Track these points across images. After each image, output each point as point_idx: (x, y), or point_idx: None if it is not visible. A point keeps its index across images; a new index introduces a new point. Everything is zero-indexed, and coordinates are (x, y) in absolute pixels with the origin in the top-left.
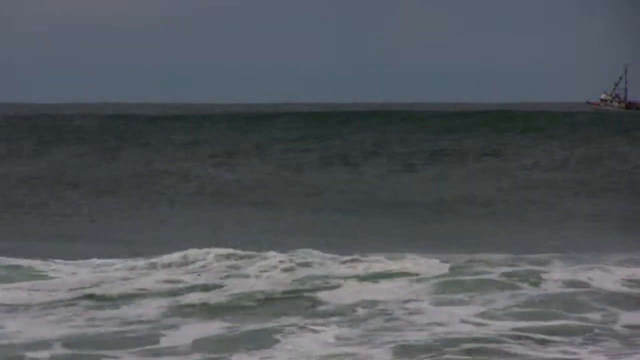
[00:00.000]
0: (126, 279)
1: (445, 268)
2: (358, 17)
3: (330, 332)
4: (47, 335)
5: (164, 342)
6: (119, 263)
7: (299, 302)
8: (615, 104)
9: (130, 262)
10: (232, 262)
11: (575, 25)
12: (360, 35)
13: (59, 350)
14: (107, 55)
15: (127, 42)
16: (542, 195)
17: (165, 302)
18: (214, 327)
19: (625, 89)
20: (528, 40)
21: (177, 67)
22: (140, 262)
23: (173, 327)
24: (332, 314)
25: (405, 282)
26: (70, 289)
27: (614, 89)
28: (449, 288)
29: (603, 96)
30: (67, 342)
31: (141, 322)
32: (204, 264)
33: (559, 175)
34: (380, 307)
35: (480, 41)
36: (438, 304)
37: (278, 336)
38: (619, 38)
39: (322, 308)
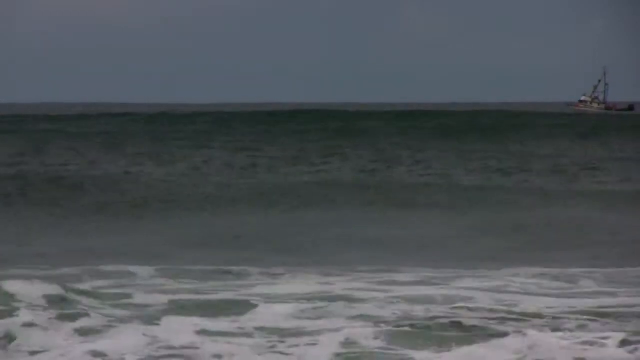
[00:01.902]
0: None
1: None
2: (358, 17)
3: None
4: None
5: None
6: None
7: None
8: (595, 105)
9: None
10: None
11: (575, 25)
12: (360, 35)
13: None
14: (107, 55)
15: (127, 42)
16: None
17: None
18: None
19: (605, 91)
20: (528, 40)
21: (177, 67)
22: None
23: None
24: None
25: None
26: None
27: (594, 91)
28: None
29: (583, 97)
30: None
31: None
32: None
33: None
34: None
35: (480, 41)
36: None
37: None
38: (619, 38)
39: None
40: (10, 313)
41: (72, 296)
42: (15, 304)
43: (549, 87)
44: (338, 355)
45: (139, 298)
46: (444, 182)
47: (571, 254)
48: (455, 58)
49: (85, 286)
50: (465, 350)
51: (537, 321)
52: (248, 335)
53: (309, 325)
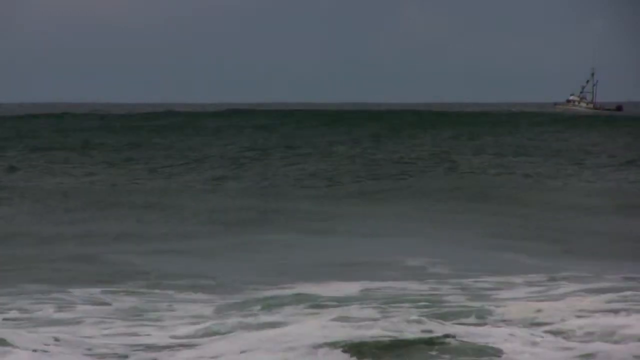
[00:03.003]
0: None
1: None
2: (358, 17)
3: None
4: None
5: None
6: None
7: None
8: (583, 104)
9: None
10: None
11: (575, 25)
12: (361, 35)
13: None
14: (108, 55)
15: (127, 42)
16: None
17: None
18: None
19: (593, 92)
20: (528, 40)
21: (177, 67)
22: None
23: None
24: None
25: None
26: None
27: (581, 92)
28: None
29: (571, 97)
30: None
31: None
32: None
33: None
34: None
35: (480, 41)
36: None
37: None
38: (619, 38)
39: None
40: None
41: None
42: None
43: (549, 87)
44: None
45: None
46: (448, 181)
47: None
48: (455, 58)
49: None
50: None
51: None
52: None
53: None
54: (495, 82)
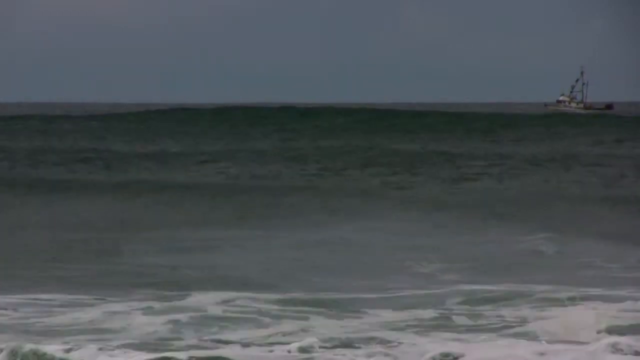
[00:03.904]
0: None
1: None
2: (358, 17)
3: None
4: None
5: None
6: None
7: None
8: (573, 104)
9: None
10: None
11: (575, 25)
12: (360, 35)
13: None
14: (108, 55)
15: (127, 42)
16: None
17: None
18: None
19: (582, 91)
20: (528, 40)
21: (177, 67)
22: None
23: None
24: None
25: None
26: None
27: (571, 92)
28: None
29: (561, 97)
30: None
31: None
32: None
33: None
34: None
35: (480, 41)
36: None
37: None
38: (619, 38)
39: None
40: None
41: None
42: None
43: (549, 87)
44: None
45: None
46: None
47: None
48: (455, 58)
49: None
50: None
51: None
52: None
53: None
54: (495, 82)
